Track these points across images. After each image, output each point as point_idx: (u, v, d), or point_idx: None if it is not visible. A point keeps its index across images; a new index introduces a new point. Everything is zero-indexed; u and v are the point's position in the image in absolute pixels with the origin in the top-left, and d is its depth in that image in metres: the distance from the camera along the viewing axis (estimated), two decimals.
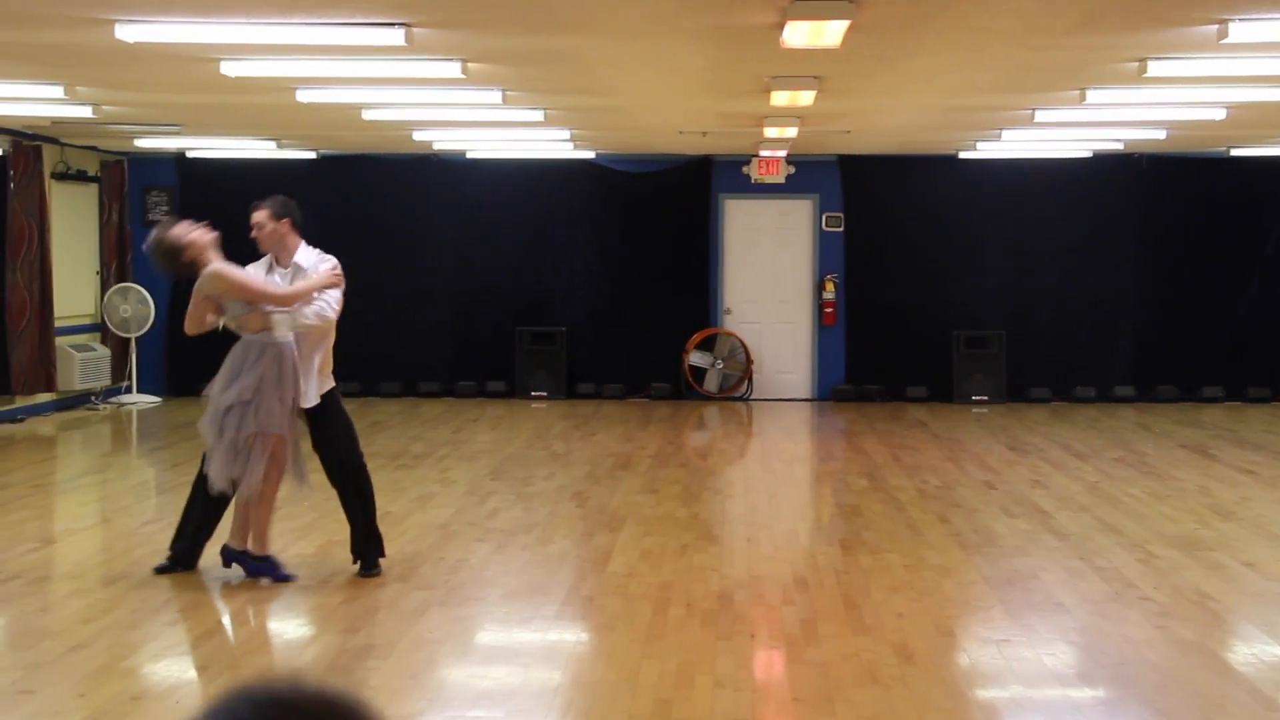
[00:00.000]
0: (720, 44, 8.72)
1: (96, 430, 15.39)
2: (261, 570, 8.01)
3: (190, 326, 7.99)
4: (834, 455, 14.11)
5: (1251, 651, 6.87)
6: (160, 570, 8.19)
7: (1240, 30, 7.78)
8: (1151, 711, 5.94)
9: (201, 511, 8.23)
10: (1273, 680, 6.39)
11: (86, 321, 17.11)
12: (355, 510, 8.25)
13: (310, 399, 8.04)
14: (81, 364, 16.28)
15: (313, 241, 8.22)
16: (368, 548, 8.24)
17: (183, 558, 8.23)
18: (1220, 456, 13.17)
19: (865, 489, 11.41)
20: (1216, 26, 7.84)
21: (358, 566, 8.23)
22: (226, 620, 7.54)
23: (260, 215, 8.06)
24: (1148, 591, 7.93)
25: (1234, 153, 16.82)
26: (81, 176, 16.80)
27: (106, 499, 11.42)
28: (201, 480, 8.10)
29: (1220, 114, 12.24)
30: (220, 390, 7.79)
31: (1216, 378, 17.55)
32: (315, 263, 8.08)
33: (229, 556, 8.09)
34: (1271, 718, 5.87)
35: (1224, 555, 8.89)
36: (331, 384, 8.21)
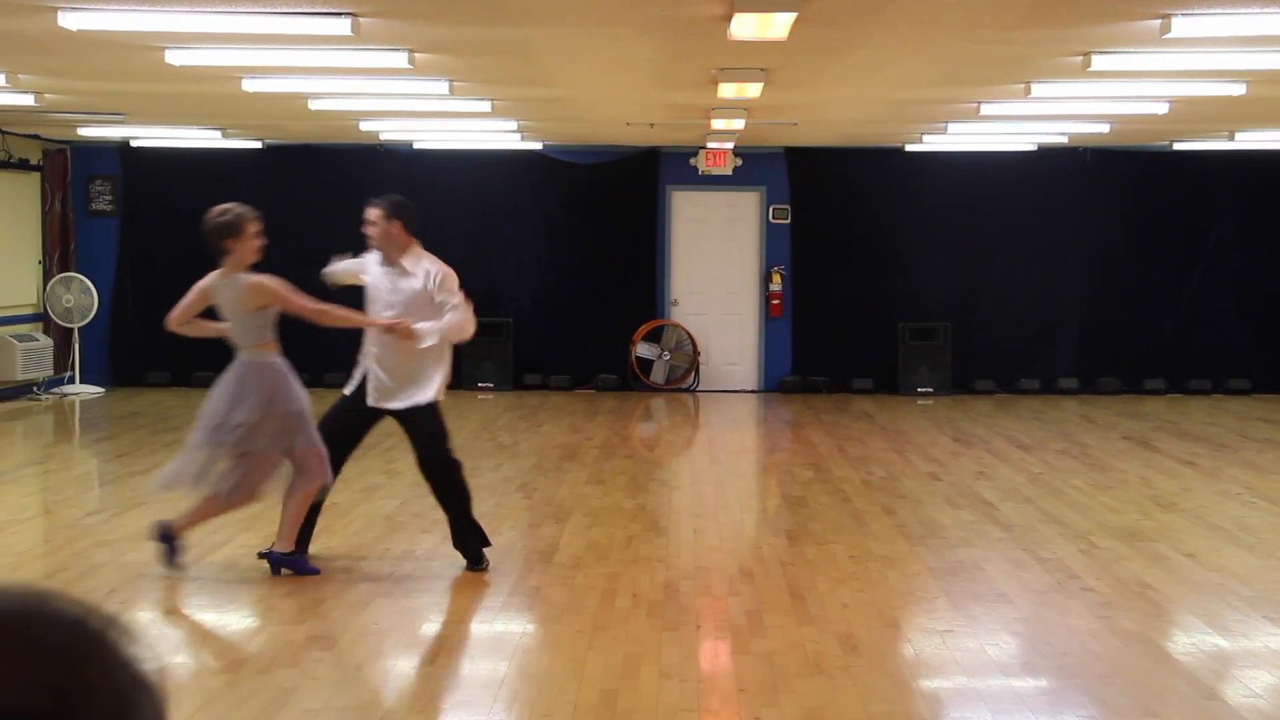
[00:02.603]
0: (668, 36, 8.73)
1: (38, 421, 15.24)
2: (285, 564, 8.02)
3: (177, 321, 7.87)
4: (780, 446, 14.15)
5: (1191, 641, 6.94)
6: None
7: (1183, 25, 7.85)
8: (1093, 701, 5.99)
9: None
10: (1212, 670, 6.46)
11: (28, 311, 16.94)
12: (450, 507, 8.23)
13: (393, 402, 8.01)
14: (23, 354, 16.11)
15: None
16: (467, 540, 8.21)
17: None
18: (1162, 448, 13.29)
19: (811, 480, 11.45)
20: (1159, 21, 7.91)
21: (466, 562, 8.23)
22: (170, 613, 7.49)
23: (373, 213, 8.19)
24: (1090, 582, 8.01)
25: (1176, 147, 16.97)
26: (23, 165, 16.62)
27: (49, 490, 11.31)
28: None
29: (1163, 108, 12.34)
30: (226, 409, 7.67)
31: (1158, 370, 17.72)
32: (421, 268, 8.10)
33: (167, 538, 7.98)
34: (1211, 706, 5.94)
35: (1165, 546, 8.98)
36: (426, 397, 8.01)
